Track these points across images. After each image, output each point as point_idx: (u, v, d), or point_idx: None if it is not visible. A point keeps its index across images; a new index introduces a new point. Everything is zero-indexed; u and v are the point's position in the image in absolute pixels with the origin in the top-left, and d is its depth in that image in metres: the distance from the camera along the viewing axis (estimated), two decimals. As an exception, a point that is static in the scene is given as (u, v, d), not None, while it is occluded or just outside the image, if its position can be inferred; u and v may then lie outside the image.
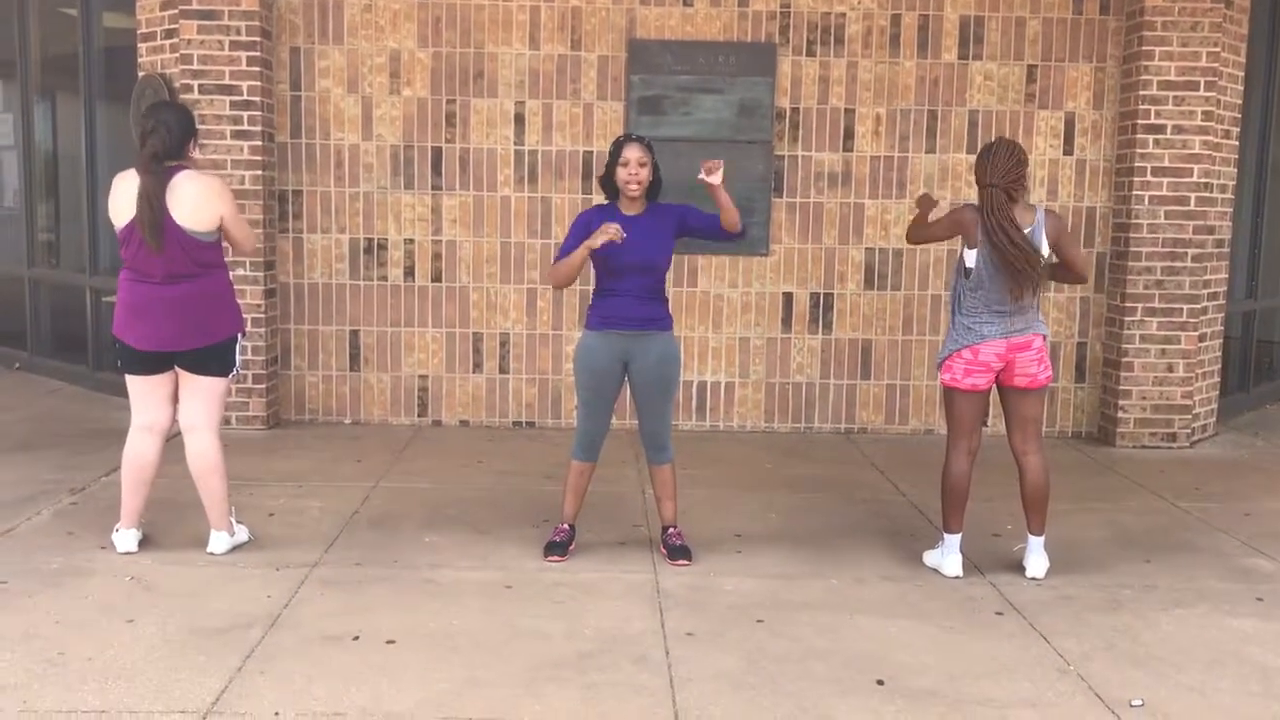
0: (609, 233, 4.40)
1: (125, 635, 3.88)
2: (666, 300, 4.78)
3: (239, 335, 4.72)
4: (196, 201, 4.48)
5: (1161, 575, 4.79)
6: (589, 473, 4.89)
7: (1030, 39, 7.28)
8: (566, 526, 4.90)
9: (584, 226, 4.68)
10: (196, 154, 4.69)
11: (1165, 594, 4.56)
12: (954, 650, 3.95)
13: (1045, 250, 4.55)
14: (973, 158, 7.27)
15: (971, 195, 7.17)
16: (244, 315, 4.80)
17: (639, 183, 4.62)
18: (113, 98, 7.91)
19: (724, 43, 7.23)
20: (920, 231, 4.81)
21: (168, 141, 4.47)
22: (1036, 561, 4.70)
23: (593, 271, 4.76)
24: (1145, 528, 5.49)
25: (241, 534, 4.86)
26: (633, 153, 4.62)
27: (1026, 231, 4.50)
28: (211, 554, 4.71)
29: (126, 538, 4.71)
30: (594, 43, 7.23)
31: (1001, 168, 4.48)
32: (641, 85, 7.22)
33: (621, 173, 4.63)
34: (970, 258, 4.57)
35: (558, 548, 4.81)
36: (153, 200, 4.41)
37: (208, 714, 3.33)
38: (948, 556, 4.71)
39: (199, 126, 6.72)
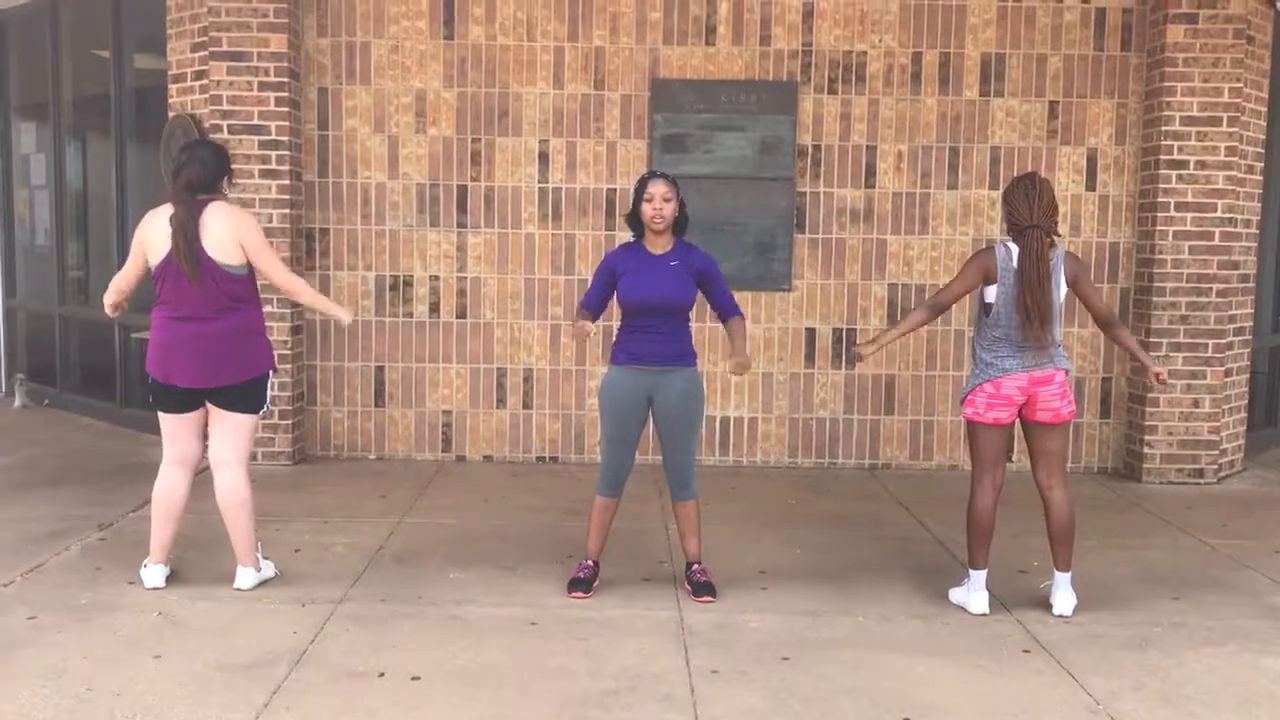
0: (580, 334, 4.58)
1: (153, 671, 3.90)
2: (690, 336, 4.80)
3: (270, 372, 4.76)
4: (223, 231, 4.52)
5: (1190, 613, 4.74)
6: (613, 508, 4.89)
7: (1052, 75, 7.31)
8: (591, 563, 4.90)
9: (609, 270, 4.74)
10: (229, 191, 4.76)
11: (1194, 632, 4.52)
12: (981, 688, 3.92)
13: (1063, 290, 4.56)
14: (995, 194, 7.30)
15: (994, 230, 7.18)
16: (273, 351, 4.85)
17: (664, 217, 4.66)
18: (143, 138, 8.03)
19: (746, 81, 7.29)
20: (944, 297, 4.75)
21: (202, 174, 4.54)
22: (1063, 598, 4.67)
23: (618, 308, 4.79)
24: (1173, 564, 5.44)
25: (268, 569, 4.89)
26: (657, 188, 4.67)
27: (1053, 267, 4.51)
28: (238, 590, 4.74)
29: (154, 573, 4.74)
30: (617, 82, 7.30)
31: (1047, 208, 4.49)
32: (664, 124, 7.28)
33: (646, 208, 4.68)
34: (990, 293, 4.58)
35: (582, 584, 4.81)
36: (187, 230, 4.46)
37: (235, 750, 3.34)
38: (974, 593, 4.68)
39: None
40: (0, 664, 3.93)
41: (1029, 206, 4.49)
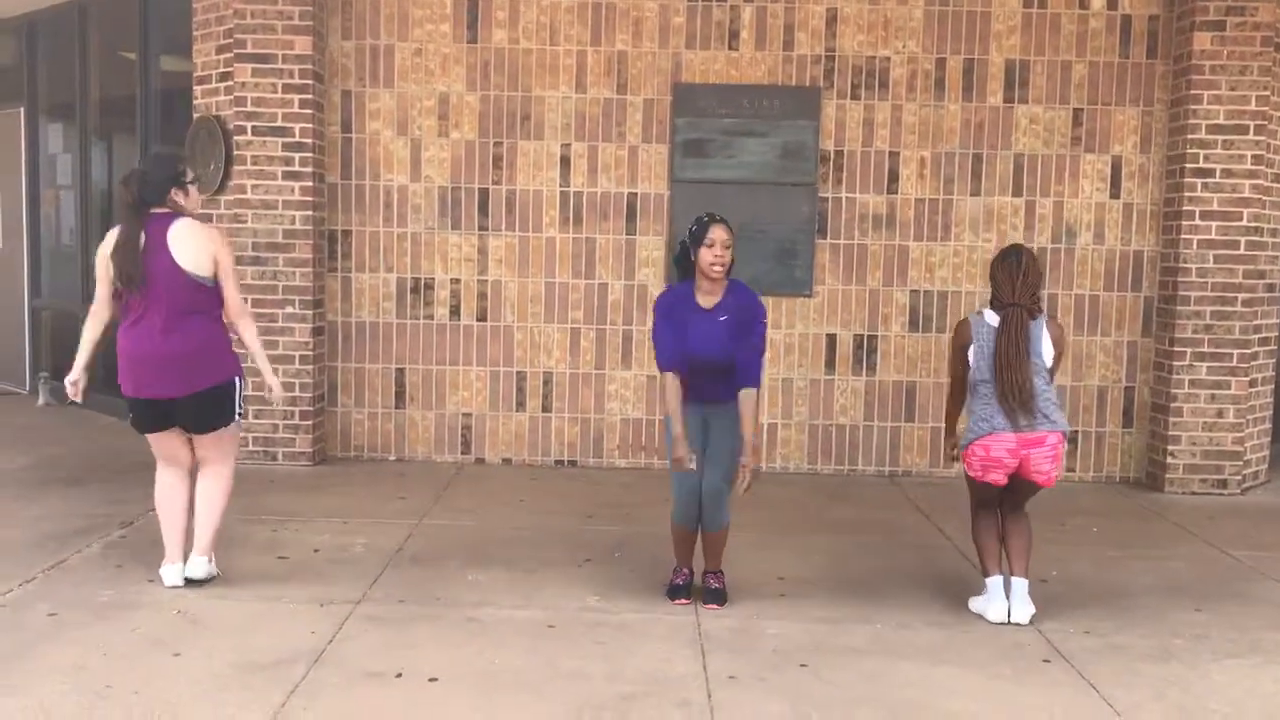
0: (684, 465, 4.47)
1: (172, 669, 3.92)
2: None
3: (237, 379, 4.72)
4: (197, 245, 4.55)
5: (1213, 625, 4.70)
6: (692, 537, 4.77)
7: (1076, 83, 7.27)
8: (687, 570, 4.85)
9: (668, 311, 4.64)
10: (186, 200, 4.68)
11: (1217, 644, 4.48)
12: (1001, 698, 3.89)
13: (1050, 354, 4.58)
14: (1018, 201, 7.27)
15: (1017, 238, 7.15)
16: (241, 363, 4.81)
17: (723, 265, 4.55)
18: (168, 139, 8.07)
19: (768, 86, 7.28)
20: (954, 382, 4.80)
21: (141, 190, 4.55)
22: (1020, 608, 4.63)
23: None
24: (1196, 576, 5.40)
25: (213, 568, 4.84)
26: (719, 234, 4.53)
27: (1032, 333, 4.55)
28: (189, 579, 4.73)
29: (172, 572, 4.76)
30: (640, 86, 7.30)
31: (1031, 286, 4.54)
32: (686, 128, 7.28)
33: (706, 254, 4.54)
34: (971, 354, 4.63)
35: (716, 595, 4.75)
36: (127, 246, 4.50)
37: (252, 749, 3.35)
38: (992, 602, 4.66)
39: (250, 168, 6.89)
40: (21, 660, 3.95)
41: (1011, 285, 4.55)
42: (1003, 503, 4.77)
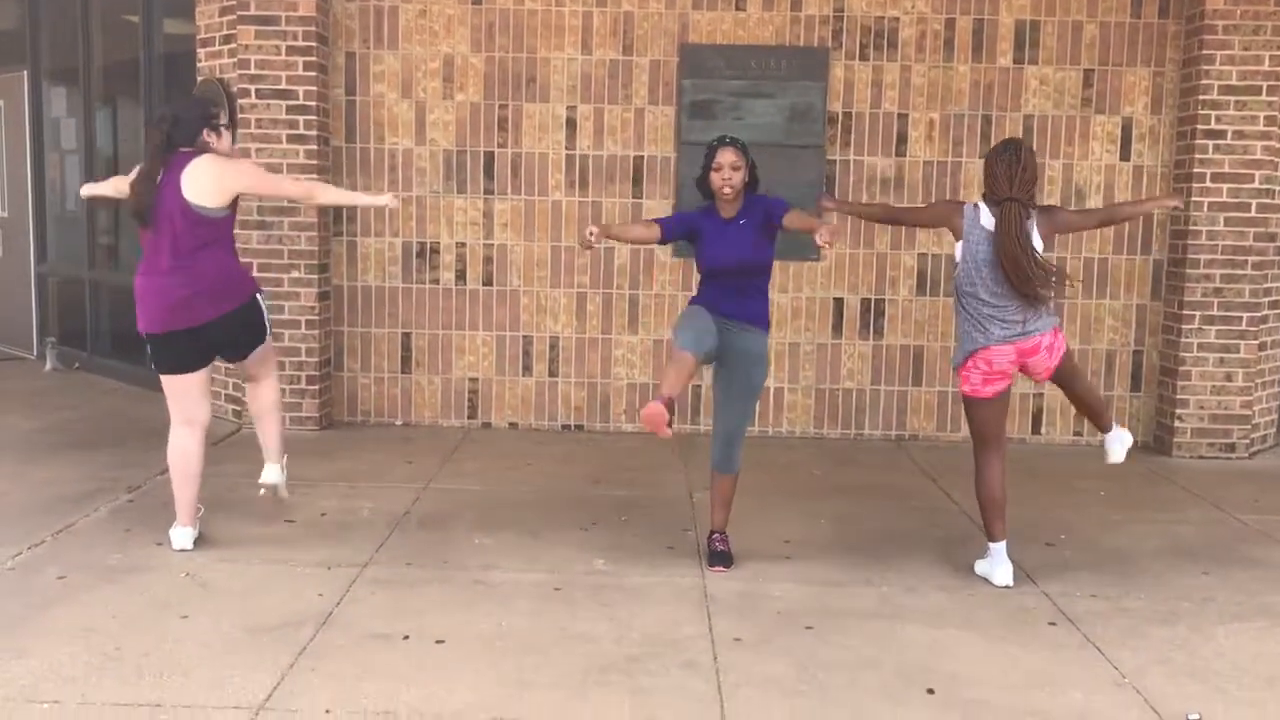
0: (585, 243, 4.55)
1: (180, 631, 3.94)
2: (767, 302, 4.73)
3: (257, 297, 4.80)
4: (208, 179, 4.57)
5: (1220, 588, 4.70)
6: (693, 365, 4.37)
7: (1087, 43, 7.19)
8: (720, 534, 4.84)
9: (689, 220, 4.77)
10: (218, 142, 4.72)
11: (1224, 607, 4.48)
12: (1006, 660, 3.90)
13: (1040, 245, 4.49)
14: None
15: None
16: (257, 279, 5.04)
17: (732, 187, 4.60)
18: (172, 103, 8.02)
19: (776, 47, 7.21)
20: (896, 215, 4.88)
21: (171, 130, 4.61)
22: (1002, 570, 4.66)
23: (696, 275, 4.77)
24: (1203, 540, 5.39)
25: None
26: (726, 156, 4.60)
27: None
28: (268, 484, 5.03)
29: (182, 535, 4.79)
30: (646, 47, 7.24)
31: (1028, 179, 4.45)
32: (693, 90, 7.22)
33: (715, 178, 4.62)
34: (957, 250, 4.58)
35: (721, 557, 4.76)
36: (142, 182, 4.59)
37: (260, 710, 3.38)
38: (997, 566, 4.66)
39: (254, 131, 6.86)
40: (31, 622, 3.98)
41: (1009, 179, 4.44)
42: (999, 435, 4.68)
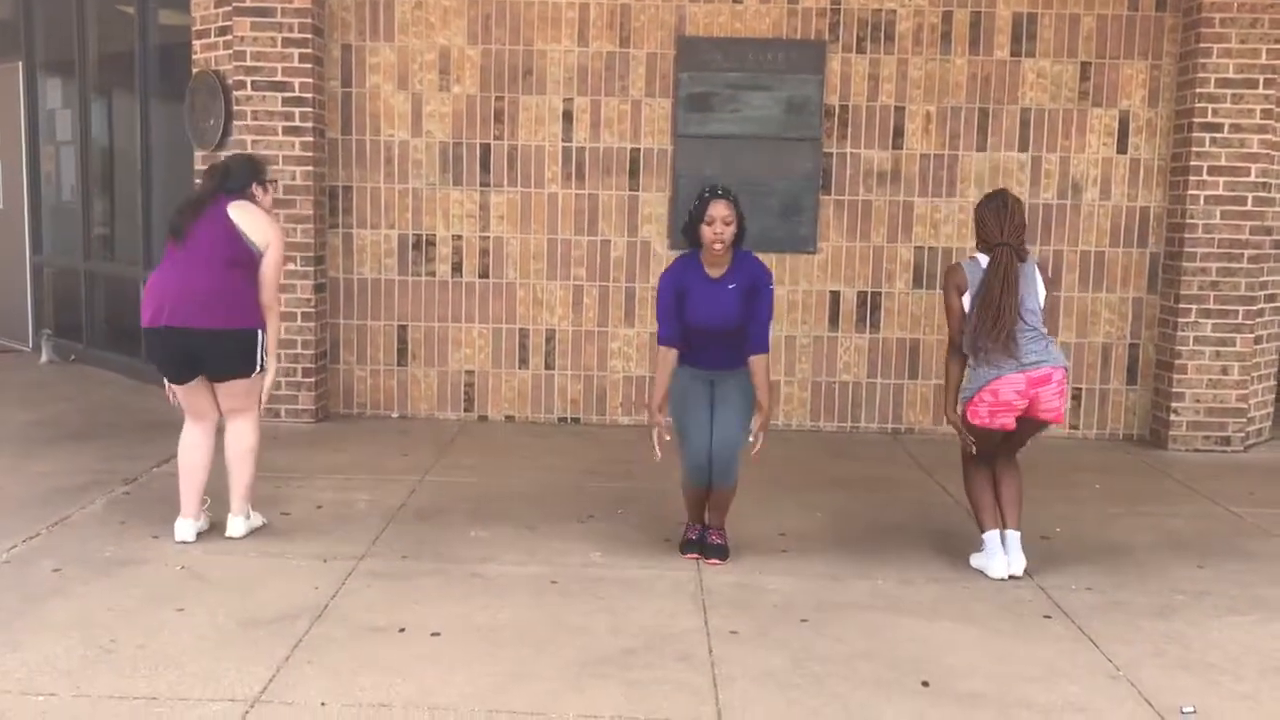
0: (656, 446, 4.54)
1: (175, 624, 3.94)
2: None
3: (260, 332, 4.77)
4: (256, 220, 4.77)
5: (1215, 581, 4.71)
6: (705, 496, 4.77)
7: (1084, 35, 7.18)
8: (699, 526, 4.87)
9: (673, 291, 4.62)
10: (264, 197, 4.93)
11: (1218, 600, 4.49)
12: (1001, 653, 3.91)
13: (1043, 293, 4.62)
14: (1024, 156, 7.22)
15: (1022, 193, 7.09)
16: (283, 309, 5.12)
17: (723, 243, 4.51)
18: (167, 95, 8.02)
19: (773, 40, 7.20)
20: (952, 335, 4.72)
21: (224, 179, 4.82)
22: (1011, 560, 4.66)
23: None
24: (1198, 532, 5.40)
25: (256, 519, 4.99)
26: (718, 210, 4.49)
27: (1025, 274, 4.56)
28: (230, 537, 4.84)
29: (183, 526, 4.81)
30: (643, 40, 7.23)
31: (1017, 225, 4.55)
32: (690, 82, 7.21)
33: (706, 232, 4.51)
34: (967, 301, 4.62)
35: (718, 550, 4.76)
36: (188, 205, 4.78)
37: (255, 703, 3.37)
38: (992, 558, 4.67)
39: (250, 124, 6.85)
40: (26, 615, 3.97)
41: (999, 225, 4.56)
42: (997, 453, 4.76)
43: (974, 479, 4.77)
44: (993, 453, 4.75)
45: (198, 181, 4.98)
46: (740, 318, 4.59)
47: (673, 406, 4.70)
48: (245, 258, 4.72)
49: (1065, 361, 4.63)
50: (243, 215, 4.74)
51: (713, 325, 4.59)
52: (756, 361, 4.61)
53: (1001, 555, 4.66)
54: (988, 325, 4.48)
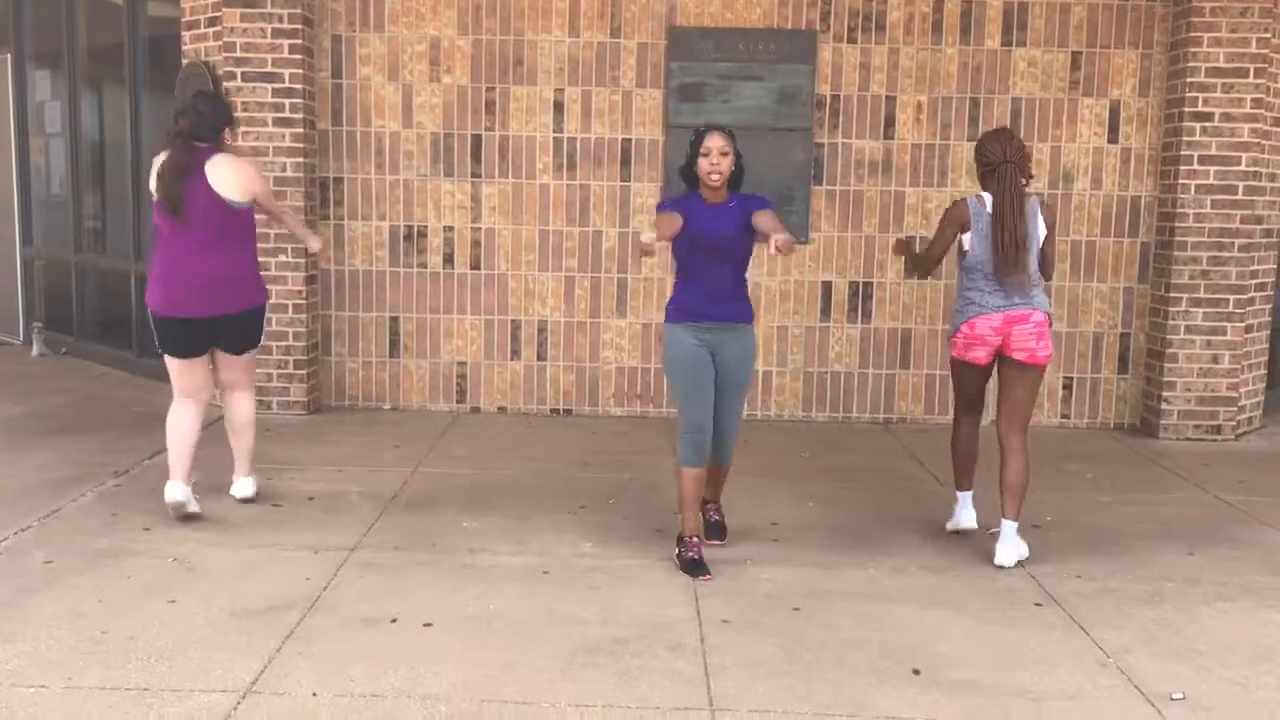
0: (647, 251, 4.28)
1: (167, 615, 3.93)
2: (747, 289, 4.66)
3: (265, 305, 5.06)
4: (233, 174, 4.82)
5: (1205, 569, 4.73)
6: (704, 479, 4.61)
7: (1075, 25, 7.18)
8: (697, 540, 4.57)
9: (671, 205, 4.60)
10: (232, 141, 5.01)
11: (1208, 587, 4.50)
12: (992, 641, 3.92)
13: (1043, 232, 4.66)
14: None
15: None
16: (269, 288, 5.29)
17: (720, 173, 4.48)
18: (157, 86, 7.98)
19: (764, 30, 7.19)
20: (924, 260, 4.88)
21: (197, 124, 4.81)
22: (1006, 550, 4.65)
23: (673, 260, 4.65)
24: (1188, 520, 5.42)
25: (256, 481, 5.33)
26: (714, 142, 4.48)
27: (1027, 211, 4.61)
28: (242, 498, 5.17)
29: (174, 488, 4.85)
30: (633, 30, 7.21)
31: (1017, 147, 4.61)
32: (681, 72, 7.19)
33: (703, 164, 4.49)
34: (966, 240, 4.67)
35: (700, 566, 4.48)
36: (175, 171, 4.75)
37: (247, 693, 3.38)
38: (962, 511, 4.92)
39: (240, 115, 6.84)
40: (18, 607, 3.97)
41: (1001, 148, 4.61)
42: (998, 422, 4.76)
43: (954, 437, 4.96)
44: (977, 397, 4.86)
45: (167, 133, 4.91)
46: (738, 231, 4.50)
47: (671, 373, 4.64)
48: (233, 221, 4.83)
49: (1049, 308, 4.70)
50: (220, 177, 4.77)
51: (713, 235, 4.46)
52: (763, 214, 4.46)
53: (970, 509, 4.91)
54: (1004, 246, 4.51)
